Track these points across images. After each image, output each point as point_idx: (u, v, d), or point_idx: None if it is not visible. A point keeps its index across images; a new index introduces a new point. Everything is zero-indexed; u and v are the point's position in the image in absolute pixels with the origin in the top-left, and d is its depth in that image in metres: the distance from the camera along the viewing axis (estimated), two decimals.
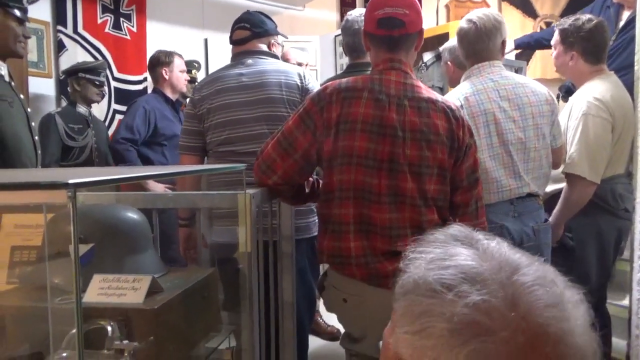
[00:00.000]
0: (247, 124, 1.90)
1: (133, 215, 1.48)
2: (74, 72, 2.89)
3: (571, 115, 2.07)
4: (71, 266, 0.70)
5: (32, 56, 3.16)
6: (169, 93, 3.08)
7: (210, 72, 3.86)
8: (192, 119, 1.99)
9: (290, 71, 1.96)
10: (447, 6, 4.63)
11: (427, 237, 0.56)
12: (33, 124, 2.21)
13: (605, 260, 2.16)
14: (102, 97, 3.04)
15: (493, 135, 1.79)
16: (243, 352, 1.31)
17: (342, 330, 1.61)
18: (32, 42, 3.11)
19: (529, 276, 0.48)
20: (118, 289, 1.21)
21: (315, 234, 1.88)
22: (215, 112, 1.93)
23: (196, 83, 2.98)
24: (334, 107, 1.41)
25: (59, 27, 3.29)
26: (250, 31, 2.00)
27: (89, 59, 3.32)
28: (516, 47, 3.11)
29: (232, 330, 1.54)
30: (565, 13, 3.88)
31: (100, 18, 3.49)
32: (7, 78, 2.12)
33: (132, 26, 3.65)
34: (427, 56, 3.40)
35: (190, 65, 3.41)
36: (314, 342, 2.76)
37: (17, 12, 2.10)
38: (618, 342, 2.19)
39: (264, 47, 2.02)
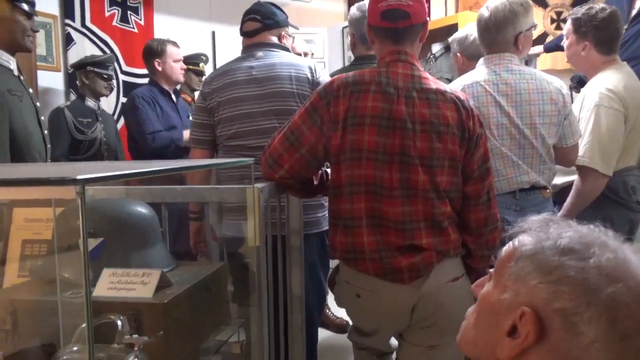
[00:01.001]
0: (257, 117, 1.88)
1: (142, 209, 1.48)
2: (82, 65, 2.90)
3: (583, 107, 2.03)
4: (81, 260, 0.70)
5: (41, 50, 3.17)
6: (164, 84, 2.89)
7: (217, 65, 3.87)
8: (202, 112, 1.98)
9: (300, 64, 1.93)
10: None
11: (523, 224, 0.71)
12: (42, 117, 2.21)
13: None
14: (111, 90, 3.04)
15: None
16: (252, 345, 1.32)
17: (351, 323, 1.61)
18: (40, 36, 3.12)
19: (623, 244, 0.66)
20: (127, 283, 1.21)
21: (326, 228, 1.88)
22: (225, 105, 1.91)
23: (204, 76, 2.96)
24: (341, 101, 1.39)
25: (67, 21, 3.30)
26: (261, 23, 1.97)
27: (97, 52, 3.33)
28: (546, 51, 3.05)
29: (242, 324, 1.55)
30: (576, 3, 3.82)
31: (108, 11, 3.50)
32: (16, 72, 2.12)
33: (140, 19, 3.65)
34: (436, 47, 3.36)
35: (198, 59, 3.38)
36: (323, 334, 2.77)
37: (25, 6, 2.09)
38: None
39: (274, 39, 2.00)
